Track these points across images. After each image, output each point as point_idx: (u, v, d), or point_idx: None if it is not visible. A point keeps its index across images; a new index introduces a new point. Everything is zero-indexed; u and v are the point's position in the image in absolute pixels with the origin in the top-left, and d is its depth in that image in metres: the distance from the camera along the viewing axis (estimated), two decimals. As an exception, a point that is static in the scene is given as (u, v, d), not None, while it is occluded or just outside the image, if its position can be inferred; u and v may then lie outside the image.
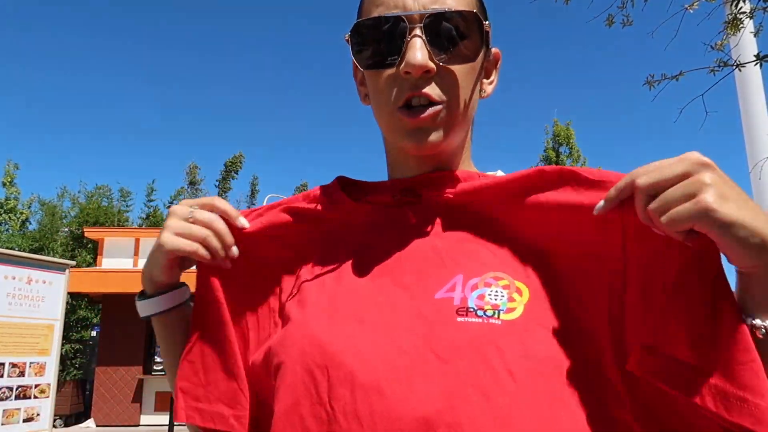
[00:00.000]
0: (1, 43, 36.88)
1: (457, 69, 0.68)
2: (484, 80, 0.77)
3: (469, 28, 0.67)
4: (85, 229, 12.95)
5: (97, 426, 11.16)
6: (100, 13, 41.42)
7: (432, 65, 0.65)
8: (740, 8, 3.55)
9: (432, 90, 0.67)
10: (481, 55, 0.70)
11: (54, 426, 5.64)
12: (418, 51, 0.64)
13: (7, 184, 18.30)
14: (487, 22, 0.70)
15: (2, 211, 17.68)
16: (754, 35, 4.38)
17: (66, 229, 15.07)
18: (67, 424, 11.20)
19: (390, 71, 0.67)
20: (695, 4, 3.67)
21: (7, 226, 17.56)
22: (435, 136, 0.68)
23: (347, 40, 0.70)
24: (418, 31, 0.65)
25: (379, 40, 0.67)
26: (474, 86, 0.72)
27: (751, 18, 3.83)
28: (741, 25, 3.58)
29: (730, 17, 3.60)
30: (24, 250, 12.73)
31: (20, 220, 17.87)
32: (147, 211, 18.73)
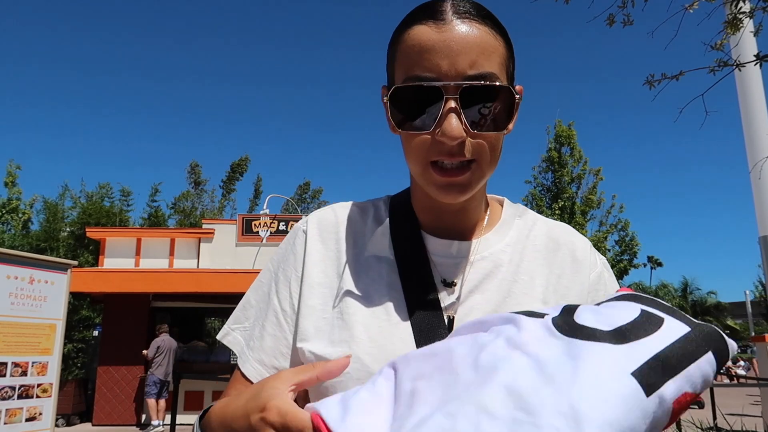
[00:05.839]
0: (2, 43, 36.91)
1: (489, 134, 0.71)
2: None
3: (501, 100, 0.71)
4: (87, 229, 12.95)
5: (99, 425, 11.18)
6: (102, 13, 41.37)
7: (466, 136, 0.69)
8: (740, 8, 3.56)
9: (464, 153, 0.70)
10: (513, 120, 0.74)
11: (56, 425, 5.65)
12: (453, 123, 0.68)
13: (9, 184, 18.31)
14: (518, 88, 0.74)
15: (4, 211, 17.69)
16: (754, 35, 4.39)
17: (68, 229, 15.04)
18: (69, 424, 11.23)
19: (424, 134, 0.71)
20: (695, 4, 3.67)
21: (9, 226, 17.56)
22: (463, 194, 0.73)
23: (384, 102, 0.73)
24: (453, 103, 0.68)
25: (415, 106, 0.70)
26: (502, 140, 0.75)
27: (751, 18, 3.84)
28: (741, 25, 3.58)
29: (730, 17, 3.60)
30: (26, 251, 12.76)
31: (22, 221, 17.88)
32: (149, 211, 18.72)
